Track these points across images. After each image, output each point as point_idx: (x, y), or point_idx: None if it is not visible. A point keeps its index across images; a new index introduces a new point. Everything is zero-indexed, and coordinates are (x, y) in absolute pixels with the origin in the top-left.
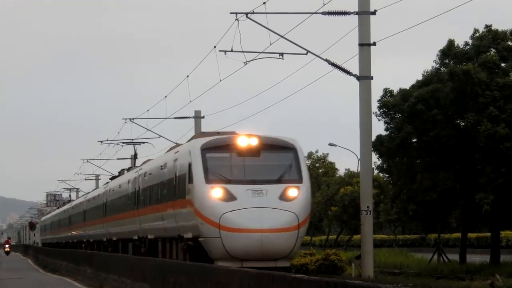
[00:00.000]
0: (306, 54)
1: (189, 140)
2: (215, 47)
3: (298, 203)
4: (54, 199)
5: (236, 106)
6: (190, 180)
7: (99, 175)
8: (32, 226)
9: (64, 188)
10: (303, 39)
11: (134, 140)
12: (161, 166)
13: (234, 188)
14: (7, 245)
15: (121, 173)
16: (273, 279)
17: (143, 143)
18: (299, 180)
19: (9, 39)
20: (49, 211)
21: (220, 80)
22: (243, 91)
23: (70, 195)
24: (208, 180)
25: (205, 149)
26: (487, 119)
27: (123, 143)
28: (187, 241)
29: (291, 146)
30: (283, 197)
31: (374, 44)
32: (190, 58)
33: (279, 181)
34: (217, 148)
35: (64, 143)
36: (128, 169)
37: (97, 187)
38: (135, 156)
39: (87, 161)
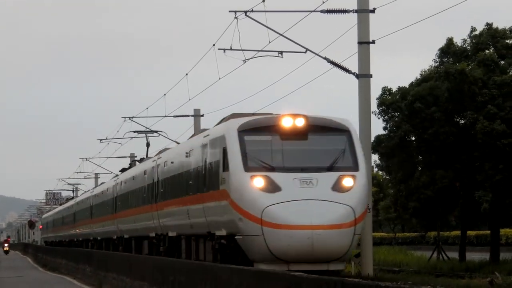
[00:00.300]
0: (305, 52)
1: (219, 122)
2: (214, 45)
3: (354, 195)
4: (53, 198)
5: (235, 104)
6: (225, 167)
7: (99, 173)
8: (31, 224)
9: (67, 184)
10: (302, 37)
11: (147, 129)
12: (186, 153)
13: (279, 177)
14: (6, 244)
15: (132, 164)
16: (272, 277)
17: (156, 131)
18: (355, 167)
19: (9, 39)
20: (49, 209)
21: (219, 78)
22: (242, 89)
23: (73, 192)
24: (247, 168)
25: (243, 131)
26: (484, 117)
27: (134, 132)
28: (220, 240)
29: (344, 127)
30: (336, 187)
31: (373, 42)
32: (189, 57)
33: (331, 168)
34: (257, 129)
35: (64, 142)
36: (141, 160)
37: (96, 185)
38: (147, 146)
39: (87, 160)
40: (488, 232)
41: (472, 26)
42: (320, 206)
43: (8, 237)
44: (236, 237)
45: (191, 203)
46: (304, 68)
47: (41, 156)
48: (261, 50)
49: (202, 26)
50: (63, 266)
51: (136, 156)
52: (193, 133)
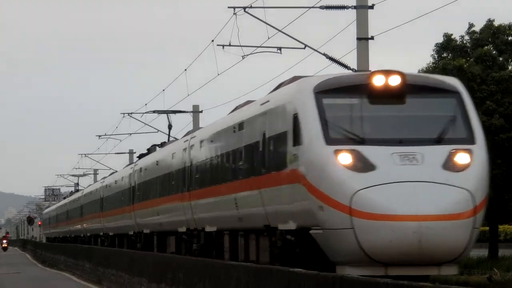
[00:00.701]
0: (304, 48)
1: (276, 88)
2: (213, 41)
3: (472, 175)
4: (52, 194)
5: (234, 101)
6: (297, 141)
7: (97, 169)
8: (30, 220)
9: (72, 175)
10: (301, 33)
11: (169, 109)
12: (234, 128)
13: (372, 152)
14: (5, 241)
15: (151, 150)
16: (271, 273)
17: (180, 111)
18: (470, 139)
19: (8, 35)
20: (48, 205)
21: (218, 74)
22: (241, 85)
23: (76, 187)
24: (329, 140)
25: (320, 93)
26: (483, 113)
27: (153, 111)
28: (285, 235)
29: (453, 88)
30: (448, 165)
31: (372, 38)
32: (188, 52)
33: (440, 140)
34: (339, 91)
35: (62, 138)
36: (162, 145)
37: (95, 181)
38: (169, 127)
39: (85, 156)
40: (487, 228)
41: (469, 23)
42: (429, 190)
43: (7, 233)
44: (311, 231)
45: (241, 190)
46: (303, 64)
47: (40, 152)
48: (260, 46)
49: (201, 22)
50: (62, 263)
51: (135, 152)
52: (192, 128)
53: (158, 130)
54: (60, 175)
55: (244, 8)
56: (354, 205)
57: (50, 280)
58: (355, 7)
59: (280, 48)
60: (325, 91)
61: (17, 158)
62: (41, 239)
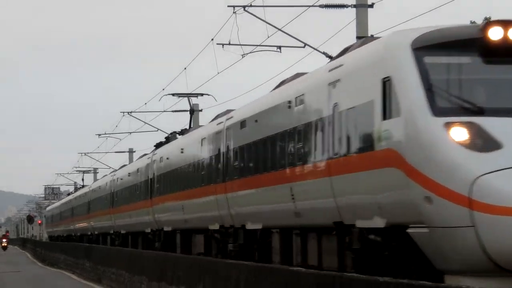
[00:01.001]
0: (303, 47)
1: (343, 52)
2: (212, 40)
3: None
4: (52, 193)
5: (234, 100)
6: (390, 112)
7: (97, 168)
8: (30, 219)
9: (76, 171)
10: (300, 32)
11: (192, 93)
12: (289, 103)
13: (495, 125)
14: (4, 240)
15: (170, 138)
16: (272, 271)
17: (202, 94)
18: None
19: (8, 32)
20: (47, 204)
21: (218, 73)
22: (241, 84)
23: (83, 180)
24: (437, 110)
25: (421, 49)
26: None
27: (173, 95)
28: (366, 235)
29: None
30: None
31: (372, 37)
32: (188, 51)
33: None
34: (445, 47)
35: (62, 136)
36: (182, 132)
37: (95, 180)
38: (191, 112)
39: (85, 154)
40: None
41: (471, 21)
42: None
43: (7, 232)
44: (410, 230)
45: (300, 178)
46: (302, 63)
47: (40, 151)
48: (259, 45)
49: (201, 21)
50: (62, 261)
51: (135, 151)
52: (192, 126)
53: (158, 129)
54: (60, 173)
55: (244, 7)
56: (475, 196)
57: (50, 279)
58: (354, 6)
59: (279, 47)
60: (427, 47)
61: (16, 157)
62: (41, 238)
